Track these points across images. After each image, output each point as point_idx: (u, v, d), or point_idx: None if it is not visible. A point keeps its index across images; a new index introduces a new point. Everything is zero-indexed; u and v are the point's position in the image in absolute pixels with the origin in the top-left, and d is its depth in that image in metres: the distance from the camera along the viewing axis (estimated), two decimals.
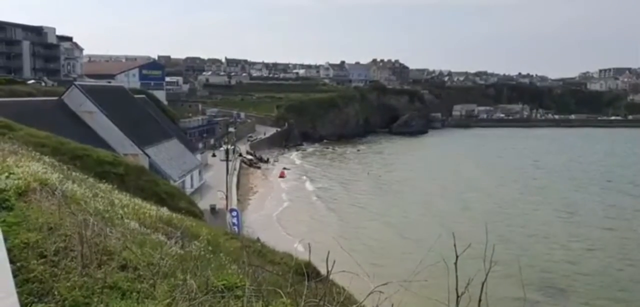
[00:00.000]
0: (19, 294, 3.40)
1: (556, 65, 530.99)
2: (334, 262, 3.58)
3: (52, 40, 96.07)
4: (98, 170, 18.84)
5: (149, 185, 22.21)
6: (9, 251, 4.08)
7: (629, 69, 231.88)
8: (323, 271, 4.59)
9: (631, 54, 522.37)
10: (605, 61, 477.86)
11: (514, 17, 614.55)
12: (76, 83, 48.52)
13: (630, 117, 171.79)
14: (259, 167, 73.17)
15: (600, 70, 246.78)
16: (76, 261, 4.24)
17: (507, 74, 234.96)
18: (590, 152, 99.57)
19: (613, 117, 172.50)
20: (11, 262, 3.85)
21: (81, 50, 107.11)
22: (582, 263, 35.42)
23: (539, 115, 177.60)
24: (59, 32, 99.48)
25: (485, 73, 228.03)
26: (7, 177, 6.92)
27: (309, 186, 63.10)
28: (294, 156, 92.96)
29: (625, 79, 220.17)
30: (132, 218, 9.09)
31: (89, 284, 3.87)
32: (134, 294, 3.94)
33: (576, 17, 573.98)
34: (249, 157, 76.94)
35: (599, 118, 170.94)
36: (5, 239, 4.34)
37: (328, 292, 3.64)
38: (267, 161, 77.85)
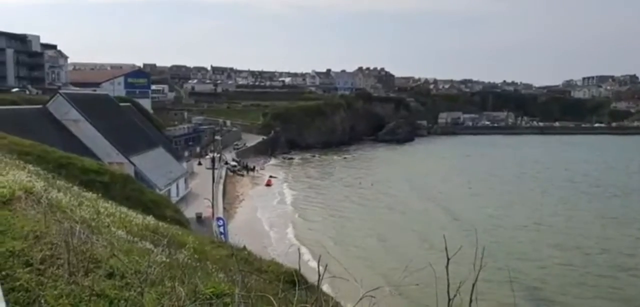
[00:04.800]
0: (6, 303, 3.35)
1: (540, 73, 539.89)
2: (326, 266, 3.57)
3: (36, 48, 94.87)
4: (83, 178, 18.64)
5: (135, 194, 22.05)
6: None
7: (613, 77, 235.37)
8: (311, 279, 4.57)
9: (615, 62, 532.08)
10: (589, 69, 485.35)
11: (498, 25, 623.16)
12: (61, 91, 47.97)
13: (613, 124, 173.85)
14: (245, 176, 72.90)
15: (584, 78, 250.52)
16: (63, 269, 4.19)
17: (492, 81, 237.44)
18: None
19: (596, 124, 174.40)
20: None
21: (66, 58, 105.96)
22: (573, 272, 35.66)
23: (523, 122, 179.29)
24: (43, 40, 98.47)
25: (470, 81, 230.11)
26: None
27: (296, 194, 62.91)
28: (281, 163, 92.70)
29: (609, 87, 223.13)
30: (118, 226, 9.01)
31: (76, 292, 3.82)
32: (122, 302, 3.91)
33: (559, 25, 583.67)
34: (235, 165, 76.64)
35: (583, 125, 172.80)
36: None
37: (319, 299, 3.63)
38: (253, 169, 77.57)
